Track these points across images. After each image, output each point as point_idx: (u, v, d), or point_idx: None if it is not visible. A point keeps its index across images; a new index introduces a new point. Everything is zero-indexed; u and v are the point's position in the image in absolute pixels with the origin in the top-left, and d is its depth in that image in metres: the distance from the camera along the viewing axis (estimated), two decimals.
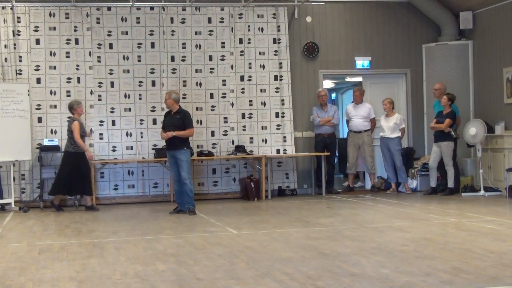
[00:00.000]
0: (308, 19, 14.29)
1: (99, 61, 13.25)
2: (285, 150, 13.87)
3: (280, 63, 13.90)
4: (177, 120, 10.97)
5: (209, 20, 13.67)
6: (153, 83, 13.40)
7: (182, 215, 10.87)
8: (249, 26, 13.82)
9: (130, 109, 13.25)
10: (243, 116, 13.76)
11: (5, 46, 12.88)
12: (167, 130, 10.97)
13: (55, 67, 13.04)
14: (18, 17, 12.96)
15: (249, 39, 13.82)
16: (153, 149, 13.11)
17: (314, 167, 13.99)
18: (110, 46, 13.29)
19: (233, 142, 13.65)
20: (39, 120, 12.94)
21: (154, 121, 13.21)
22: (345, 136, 15.59)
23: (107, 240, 8.60)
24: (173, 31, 13.52)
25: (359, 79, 15.44)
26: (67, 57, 13.09)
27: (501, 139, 12.94)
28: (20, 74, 12.91)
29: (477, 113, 14.04)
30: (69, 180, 11.76)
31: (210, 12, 13.69)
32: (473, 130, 12.88)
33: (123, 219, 10.69)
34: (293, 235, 8.59)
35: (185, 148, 10.98)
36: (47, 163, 12.77)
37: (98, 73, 13.25)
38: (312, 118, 13.94)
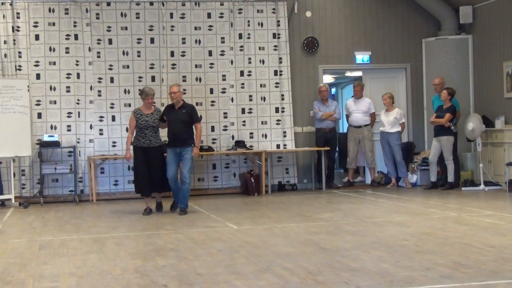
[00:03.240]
0: (308, 14, 14.28)
1: (98, 57, 13.25)
2: (285, 145, 13.87)
3: (280, 58, 13.89)
4: (184, 114, 10.40)
5: (209, 15, 13.66)
6: (153, 79, 13.39)
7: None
8: (248, 21, 13.81)
9: (130, 105, 13.23)
10: (243, 111, 13.76)
11: (5, 42, 12.86)
12: (173, 126, 10.39)
13: (54, 63, 13.03)
14: (18, 13, 12.95)
15: (249, 34, 13.80)
16: None
17: (314, 162, 13.99)
18: (110, 41, 13.29)
19: (233, 137, 13.65)
20: (39, 115, 12.94)
21: None
22: (345, 131, 15.58)
23: (107, 236, 8.61)
24: (172, 26, 13.50)
25: (359, 74, 15.43)
26: (67, 52, 13.08)
27: (501, 134, 12.93)
28: (19, 70, 12.90)
29: (477, 108, 14.03)
30: (140, 177, 10.48)
31: (209, 7, 13.67)
32: (471, 125, 12.88)
33: (123, 215, 10.69)
34: (293, 230, 8.60)
35: (192, 145, 10.44)
36: (47, 158, 12.78)
37: (98, 68, 13.24)
38: (313, 113, 13.93)
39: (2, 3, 12.88)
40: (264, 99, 13.83)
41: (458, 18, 14.22)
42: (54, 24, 13.06)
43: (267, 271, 6.16)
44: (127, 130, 12.98)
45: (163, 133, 10.98)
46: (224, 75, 13.68)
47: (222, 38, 13.69)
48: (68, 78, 13.07)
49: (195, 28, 13.59)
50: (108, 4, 13.29)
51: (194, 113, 10.58)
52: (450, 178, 13.00)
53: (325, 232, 8.35)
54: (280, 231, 8.52)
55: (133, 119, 10.57)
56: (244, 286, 5.62)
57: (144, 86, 11.50)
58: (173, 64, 13.48)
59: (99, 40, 13.25)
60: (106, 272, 6.34)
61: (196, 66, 13.58)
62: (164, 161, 10.61)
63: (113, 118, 13.24)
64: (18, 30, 12.94)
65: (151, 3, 13.44)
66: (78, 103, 13.09)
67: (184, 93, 13.23)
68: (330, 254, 6.87)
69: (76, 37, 13.13)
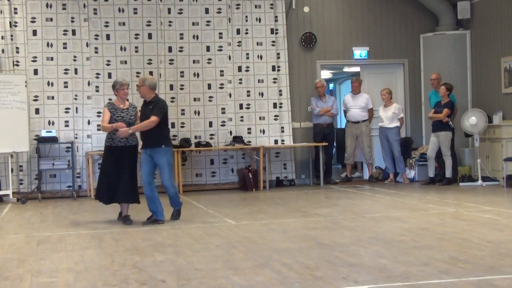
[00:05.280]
0: (306, 9, 14.26)
1: (96, 52, 13.23)
2: (283, 140, 13.86)
3: (278, 54, 13.88)
4: (149, 110, 9.06)
5: (207, 11, 13.64)
6: (151, 74, 13.35)
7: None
8: (246, 16, 13.79)
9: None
10: (241, 106, 13.75)
11: (2, 37, 12.85)
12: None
13: (52, 58, 13.01)
14: (15, 8, 12.92)
15: (247, 29, 13.79)
16: None
17: (312, 157, 13.99)
18: (107, 37, 13.27)
19: (231, 132, 13.64)
20: (37, 111, 12.93)
21: None
22: (343, 126, 15.58)
23: (105, 231, 8.61)
24: (170, 21, 13.48)
25: (357, 69, 15.43)
26: (64, 48, 13.06)
27: (498, 129, 12.93)
28: (17, 65, 12.88)
29: (475, 103, 14.03)
30: (106, 181, 9.21)
31: (207, 3, 13.65)
32: (474, 119, 12.86)
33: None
34: (291, 226, 8.60)
35: (163, 146, 9.04)
36: (44, 154, 12.77)
37: (96, 64, 13.22)
38: (311, 108, 13.94)
39: None
40: (262, 94, 13.82)
41: (456, 14, 14.22)
42: (51, 19, 13.04)
43: (265, 266, 6.17)
44: None
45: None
46: (222, 71, 13.67)
47: (220, 33, 13.68)
48: (65, 73, 13.05)
49: (193, 24, 13.58)
50: None
51: (156, 107, 9.01)
52: (448, 173, 13.02)
53: (323, 227, 8.35)
54: (278, 227, 8.53)
55: (107, 113, 9.24)
56: (242, 282, 5.62)
57: (116, 78, 10.83)
58: (171, 60, 13.46)
59: (96, 35, 13.23)
60: (104, 268, 6.34)
61: (194, 61, 13.57)
62: (136, 166, 9.44)
63: None
64: (15, 26, 12.91)
65: None
66: (75, 99, 13.08)
67: (182, 89, 13.35)
68: (328, 250, 6.87)
69: (73, 32, 13.11)
